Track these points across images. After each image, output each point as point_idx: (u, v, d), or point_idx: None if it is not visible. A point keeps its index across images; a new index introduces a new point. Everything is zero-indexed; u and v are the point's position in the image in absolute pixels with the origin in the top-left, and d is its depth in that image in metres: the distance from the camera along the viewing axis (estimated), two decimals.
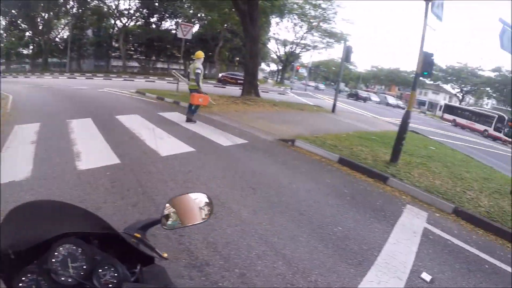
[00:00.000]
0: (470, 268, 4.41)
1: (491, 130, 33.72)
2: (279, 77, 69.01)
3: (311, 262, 3.81)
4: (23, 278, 1.06)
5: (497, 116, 33.97)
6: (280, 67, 67.46)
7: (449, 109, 43.59)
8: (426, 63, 8.24)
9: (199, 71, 10.55)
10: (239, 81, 33.68)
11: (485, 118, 35.76)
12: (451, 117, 41.32)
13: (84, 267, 1.08)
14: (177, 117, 11.27)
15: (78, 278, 1.05)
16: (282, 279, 3.42)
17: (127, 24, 49.17)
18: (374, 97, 57.64)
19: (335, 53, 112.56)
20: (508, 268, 4.65)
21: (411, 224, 5.39)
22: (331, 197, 5.90)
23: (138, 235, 1.29)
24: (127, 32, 48.32)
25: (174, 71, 14.26)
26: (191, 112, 10.72)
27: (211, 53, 48.93)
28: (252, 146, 8.71)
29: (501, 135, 32.56)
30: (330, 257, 3.97)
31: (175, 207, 1.37)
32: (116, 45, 50.31)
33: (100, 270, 1.09)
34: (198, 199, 1.43)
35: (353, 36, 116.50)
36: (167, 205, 1.37)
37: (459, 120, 39.39)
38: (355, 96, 52.12)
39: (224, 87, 31.76)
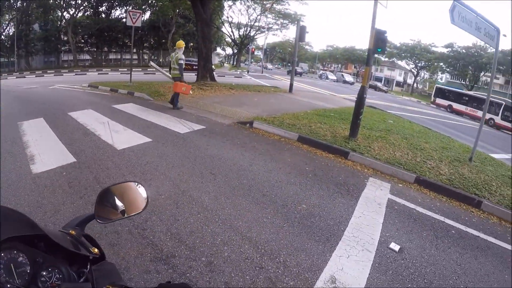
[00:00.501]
0: (437, 234, 4.67)
1: (498, 119, 29.20)
2: (235, 60, 68.76)
3: (278, 242, 3.90)
4: None
5: (503, 103, 29.13)
6: (236, 51, 67.05)
7: (441, 93, 38.32)
8: (379, 40, 8.48)
9: (181, 61, 10.98)
10: (194, 67, 33.04)
11: (489, 105, 31.09)
12: (445, 102, 36.74)
13: (28, 271, 1.03)
14: (132, 108, 11.12)
15: (22, 284, 1.00)
16: (250, 263, 3.46)
17: (75, 15, 47.22)
18: (331, 76, 59.32)
19: (290, 34, 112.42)
20: (474, 232, 4.96)
21: (375, 196, 5.59)
22: (292, 176, 6.01)
23: (73, 232, 1.23)
24: (75, 23, 46.32)
25: (151, 62, 14.05)
26: (173, 99, 11.27)
27: (164, 40, 48.20)
28: (210, 131, 8.77)
29: (510, 125, 27.84)
30: (297, 236, 4.08)
31: (108, 199, 1.33)
32: (65, 38, 48.06)
33: (44, 273, 1.05)
34: (131, 188, 1.40)
35: (308, 16, 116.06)
36: (99, 198, 1.32)
37: (456, 106, 34.87)
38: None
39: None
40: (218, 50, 69.17)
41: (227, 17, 55.70)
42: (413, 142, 9.25)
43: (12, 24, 46.99)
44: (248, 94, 16.47)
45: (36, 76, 31.20)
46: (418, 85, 74.06)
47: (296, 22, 45.21)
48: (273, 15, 51.36)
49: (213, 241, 3.77)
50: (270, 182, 5.61)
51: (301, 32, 19.08)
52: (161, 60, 50.80)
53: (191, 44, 49.93)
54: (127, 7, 46.23)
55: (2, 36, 48.17)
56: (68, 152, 6.61)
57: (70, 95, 14.79)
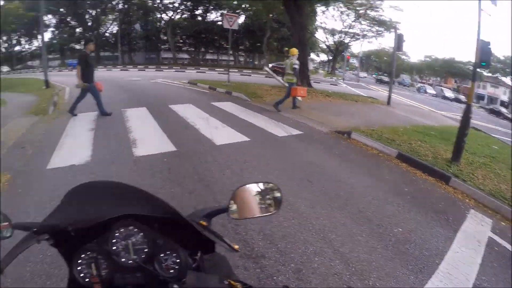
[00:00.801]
0: None
1: None
2: (330, 67, 67.24)
3: (370, 264, 3.54)
4: (82, 255, 1.09)
5: None
6: (330, 57, 66.00)
7: None
8: (483, 53, 7.48)
9: (296, 66, 11.40)
10: None
11: None
12: None
13: (146, 250, 1.09)
14: (230, 106, 11.19)
15: (139, 261, 1.07)
16: (339, 279, 3.23)
17: (173, 17, 50.30)
18: (430, 90, 54.03)
19: (385, 42, 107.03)
20: None
21: (475, 231, 4.87)
22: (390, 195, 5.49)
23: (204, 223, 1.22)
24: (174, 25, 49.43)
25: (266, 67, 14.52)
26: (280, 102, 11.53)
27: (259, 43, 48.93)
28: (308, 137, 8.42)
29: None
30: (389, 260, 3.67)
31: (243, 196, 1.28)
32: (165, 38, 51.78)
33: (161, 255, 1.10)
34: (268, 189, 1.32)
35: (403, 24, 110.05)
36: (235, 193, 1.27)
37: None
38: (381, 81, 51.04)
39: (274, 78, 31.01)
40: (312, 55, 68.48)
41: (321, 23, 54.56)
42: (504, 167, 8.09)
43: (115, 23, 51.93)
44: (345, 103, 15.79)
45: (138, 70, 33.62)
46: None
47: (391, 30, 44.59)
48: (368, 21, 49.46)
49: (305, 250, 3.57)
50: (367, 198, 5.18)
51: (399, 41, 17.78)
52: (256, 62, 51.72)
53: (286, 48, 50.29)
54: (222, 11, 47.48)
55: (107, 34, 53.88)
56: (169, 141, 6.74)
57: (171, 90, 15.46)
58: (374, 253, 3.75)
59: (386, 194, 5.47)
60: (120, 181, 1.14)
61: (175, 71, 32.67)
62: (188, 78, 20.34)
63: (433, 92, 53.62)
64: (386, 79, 51.29)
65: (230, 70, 18.77)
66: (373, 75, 75.44)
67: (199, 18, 52.24)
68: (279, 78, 13.09)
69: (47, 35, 56.95)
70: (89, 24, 51.75)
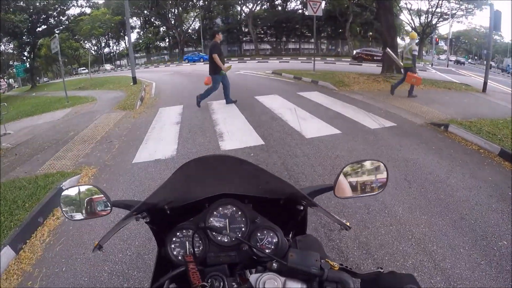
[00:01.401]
0: None
1: None
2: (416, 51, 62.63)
3: (473, 283, 3.02)
4: (178, 233, 1.12)
5: None
6: (417, 41, 61.55)
7: None
8: None
9: (415, 52, 11.15)
10: (375, 57, 30.95)
11: None
12: None
13: (243, 229, 1.14)
14: (317, 96, 10.70)
15: (236, 239, 1.08)
16: None
17: (253, 9, 50.37)
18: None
19: (477, 21, 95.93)
20: None
21: None
22: (494, 200, 4.69)
23: (309, 201, 1.21)
24: (254, 16, 49.59)
25: (388, 49, 13.96)
26: (396, 85, 11.60)
27: (342, 29, 47.34)
28: (401, 130, 7.71)
29: None
30: (493, 279, 3.10)
31: (349, 175, 1.24)
32: (246, 30, 52.42)
33: (258, 234, 1.12)
34: (374, 167, 1.27)
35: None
36: (341, 172, 1.22)
37: None
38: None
39: (361, 65, 29.13)
40: (398, 40, 64.19)
41: (405, 3, 50.45)
42: None
43: (197, 19, 53.97)
44: (437, 91, 14.37)
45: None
46: None
47: (485, 7, 40.65)
48: None
49: (404, 263, 3.18)
50: (469, 202, 4.48)
51: (496, 19, 15.65)
52: (339, 50, 50.18)
53: (370, 33, 48.13)
54: None
55: (190, 30, 56.39)
56: (257, 134, 6.52)
57: (255, 81, 15.33)
58: (477, 269, 3.23)
59: (489, 198, 4.72)
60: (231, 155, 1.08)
61: (258, 62, 32.68)
62: (272, 69, 20.09)
63: None
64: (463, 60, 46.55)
65: (314, 58, 18.22)
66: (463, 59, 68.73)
67: (279, 8, 52.03)
68: (399, 60, 12.32)
69: (133, 36, 62.68)
70: (172, 22, 54.03)
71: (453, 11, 48.65)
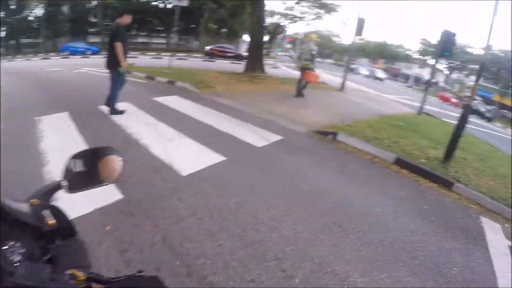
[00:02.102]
0: None
1: None
2: (268, 49, 64.59)
3: None
4: None
5: None
6: (267, 39, 63.21)
7: None
8: (447, 43, 8.36)
9: (314, 52, 11.63)
10: (228, 54, 31.51)
11: None
12: None
13: None
14: (178, 102, 8.65)
15: None
16: None
17: None
18: (363, 70, 56.70)
19: (323, 25, 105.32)
20: None
21: (497, 243, 4.32)
22: (419, 221, 4.41)
23: (36, 202, 1.00)
24: (105, 6, 44.24)
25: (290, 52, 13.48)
26: (301, 88, 11.79)
27: (195, 25, 45.65)
28: (289, 144, 6.54)
29: None
30: None
31: (74, 168, 1.07)
32: (94, 20, 46.44)
33: (5, 247, 0.88)
34: (104, 152, 1.15)
35: (344, 7, 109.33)
36: (66, 167, 1.06)
37: None
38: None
39: (213, 61, 28.44)
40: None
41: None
42: (491, 165, 7.76)
43: (41, 6, 45.73)
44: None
45: (62, 58, 28.97)
46: (447, 86, 68.73)
47: (332, 13, 43.81)
48: (309, 3, 47.64)
49: None
50: (405, 233, 3.97)
51: (359, 26, 16.86)
52: (190, 45, 48.18)
53: (224, 30, 47.27)
54: None
55: (30, 17, 47.19)
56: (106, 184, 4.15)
57: (100, 82, 12.36)
58: None
59: (415, 220, 4.42)
60: None
61: (104, 57, 28.13)
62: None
63: (366, 73, 55.37)
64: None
65: (163, 53, 15.74)
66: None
67: None
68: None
69: None
70: (13, 7, 45.00)
71: (303, 15, 50.98)
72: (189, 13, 43.40)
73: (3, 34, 47.05)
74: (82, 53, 32.55)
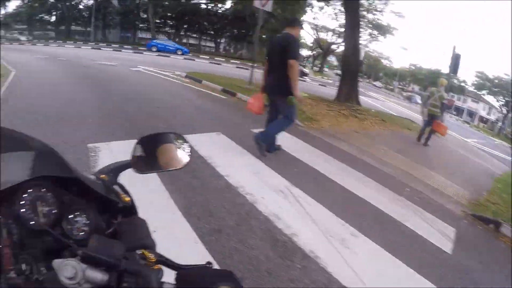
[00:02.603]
0: None
1: None
2: (320, 65, 59.90)
3: None
4: None
5: None
6: (315, 54, 60.25)
7: None
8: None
9: (446, 101, 10.37)
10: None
11: None
12: None
13: (54, 211, 0.93)
14: (289, 141, 6.19)
15: (45, 222, 0.91)
16: None
17: None
18: (419, 99, 50.00)
19: (376, 46, 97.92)
20: None
21: None
22: None
23: (106, 178, 1.04)
24: (156, 3, 42.88)
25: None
26: (428, 138, 10.08)
27: (248, 32, 43.75)
28: (469, 244, 4.32)
29: None
30: None
31: (147, 148, 1.09)
32: (144, 16, 45.16)
33: (70, 216, 0.93)
34: (175, 140, 1.12)
35: (400, 30, 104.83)
36: (137, 145, 1.07)
37: None
38: None
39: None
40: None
41: (313, 18, 48.29)
42: None
43: None
44: (405, 133, 11.36)
45: (113, 50, 27.14)
46: (507, 127, 63.37)
47: (387, 35, 41.32)
48: (364, 23, 45.25)
49: None
50: None
51: (455, 62, 14.45)
52: (241, 52, 46.03)
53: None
54: None
55: (81, 6, 47.53)
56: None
57: (168, 90, 10.26)
58: None
59: None
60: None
61: (158, 56, 26.39)
62: (175, 66, 15.70)
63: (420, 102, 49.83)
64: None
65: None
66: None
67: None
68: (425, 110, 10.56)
69: (15, 3, 52.28)
70: None
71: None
72: (242, 19, 41.49)
73: (53, 18, 47.47)
74: (172, 52, 30.16)
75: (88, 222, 0.93)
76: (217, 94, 10.31)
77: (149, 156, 1.09)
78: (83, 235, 0.91)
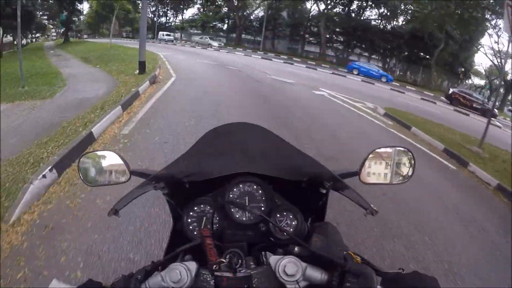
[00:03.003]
0: None
1: None
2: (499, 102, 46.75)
3: None
4: (195, 208, 1.09)
5: None
6: (487, 82, 48.44)
7: None
8: None
9: None
10: (474, 105, 22.33)
11: None
12: None
13: (262, 208, 1.09)
14: None
15: (254, 219, 1.06)
16: None
17: (325, 10, 41.78)
18: None
19: None
20: None
21: None
22: None
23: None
24: (328, 17, 41.17)
25: None
26: None
27: (427, 55, 38.35)
28: None
29: None
30: None
31: (375, 161, 1.14)
32: (315, 29, 44.29)
33: (278, 215, 1.08)
34: (401, 155, 1.16)
35: None
36: (367, 157, 1.12)
37: None
38: None
39: (468, 115, 19.83)
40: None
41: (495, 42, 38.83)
42: None
43: (262, 7, 47.28)
44: None
45: (283, 62, 25.88)
46: None
47: None
48: None
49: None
50: None
51: None
52: (417, 78, 40.12)
53: (462, 69, 38.62)
54: (381, 10, 40.13)
55: (252, 17, 50.03)
56: None
57: (365, 134, 7.83)
58: None
59: None
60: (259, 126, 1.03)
61: (333, 74, 23.54)
62: (356, 92, 13.70)
63: None
64: None
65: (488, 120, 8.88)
66: None
67: (353, 15, 42.87)
68: None
69: (191, 11, 63.24)
70: (235, 4, 47.82)
71: None
72: (420, 39, 36.36)
73: (225, 26, 52.82)
74: (376, 78, 26.57)
75: (294, 223, 1.04)
76: (436, 156, 7.36)
77: (378, 168, 1.13)
78: (285, 235, 1.01)
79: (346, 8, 42.72)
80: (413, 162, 1.13)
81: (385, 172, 1.14)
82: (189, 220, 1.06)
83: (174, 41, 44.50)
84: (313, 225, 1.07)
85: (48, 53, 22.81)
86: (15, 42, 36.34)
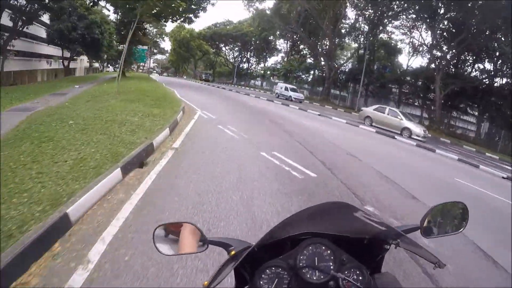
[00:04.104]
0: None
1: None
2: None
3: None
4: (267, 271, 1.06)
5: None
6: None
7: None
8: None
9: None
10: None
11: None
12: None
13: (331, 267, 1.06)
14: None
15: (324, 277, 1.05)
16: None
17: (441, 65, 31.11)
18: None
19: None
20: None
21: None
22: None
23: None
24: (445, 75, 30.29)
25: None
26: None
27: None
28: None
29: None
30: None
31: (434, 216, 1.21)
32: (432, 87, 31.92)
33: (346, 272, 1.06)
34: (456, 208, 1.25)
35: None
36: (428, 213, 1.19)
37: None
38: None
39: None
40: None
41: None
42: None
43: (351, 60, 43.37)
44: None
45: (375, 132, 17.37)
46: None
47: None
48: None
49: None
50: None
51: None
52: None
53: None
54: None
55: (341, 70, 43.11)
56: None
57: None
58: None
59: None
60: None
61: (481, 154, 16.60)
62: None
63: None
64: None
65: None
66: None
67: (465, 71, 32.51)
68: None
69: (275, 59, 62.44)
70: (321, 50, 41.86)
71: None
72: None
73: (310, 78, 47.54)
74: None
75: (361, 278, 1.03)
76: None
77: (437, 222, 1.21)
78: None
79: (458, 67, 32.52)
80: (467, 212, 1.19)
81: (444, 224, 1.20)
82: (261, 282, 1.03)
83: (302, 100, 30.88)
84: (373, 276, 1.06)
85: None
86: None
